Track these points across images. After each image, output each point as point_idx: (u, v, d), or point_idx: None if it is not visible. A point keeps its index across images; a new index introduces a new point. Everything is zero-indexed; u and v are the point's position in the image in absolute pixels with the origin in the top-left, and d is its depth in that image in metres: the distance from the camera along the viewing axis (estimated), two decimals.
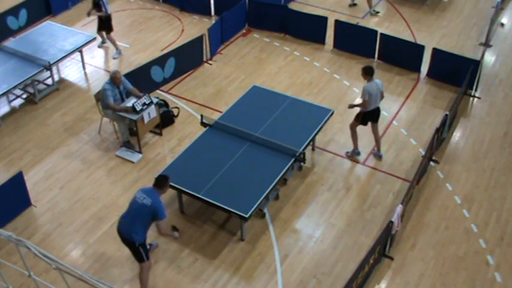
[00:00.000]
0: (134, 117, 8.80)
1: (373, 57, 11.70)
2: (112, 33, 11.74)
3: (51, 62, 10.30)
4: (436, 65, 11.00)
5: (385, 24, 13.16)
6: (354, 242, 7.71)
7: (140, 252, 6.56)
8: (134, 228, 6.44)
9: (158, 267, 7.28)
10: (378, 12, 13.61)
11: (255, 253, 7.53)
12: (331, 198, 8.42)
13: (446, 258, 7.49)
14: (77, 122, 9.95)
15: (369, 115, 8.68)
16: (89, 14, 11.55)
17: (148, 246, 6.90)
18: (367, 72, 8.37)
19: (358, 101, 8.59)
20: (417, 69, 11.30)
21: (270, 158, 7.98)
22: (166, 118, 9.78)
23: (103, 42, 12.10)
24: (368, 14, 13.51)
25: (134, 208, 6.47)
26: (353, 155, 9.16)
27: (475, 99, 10.71)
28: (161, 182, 6.54)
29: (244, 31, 12.80)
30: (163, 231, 6.52)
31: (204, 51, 11.53)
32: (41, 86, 10.74)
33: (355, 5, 13.89)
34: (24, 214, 8.10)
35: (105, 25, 11.66)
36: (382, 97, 8.65)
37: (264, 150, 8.09)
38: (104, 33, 11.78)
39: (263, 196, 7.36)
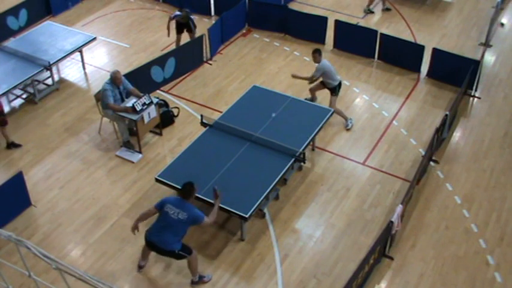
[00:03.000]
0: (134, 117, 8.80)
1: (373, 57, 11.70)
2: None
3: (51, 62, 10.30)
4: (436, 65, 11.00)
5: (385, 24, 13.16)
6: (354, 242, 7.71)
7: (182, 255, 6.64)
8: (174, 240, 6.53)
9: (158, 267, 7.28)
10: (372, 12, 13.66)
11: (255, 253, 7.53)
12: (331, 198, 8.41)
13: (446, 258, 7.49)
14: (77, 122, 9.95)
15: (337, 88, 9.63)
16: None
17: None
18: (318, 53, 9.37)
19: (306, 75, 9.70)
20: (417, 69, 11.29)
21: (270, 158, 7.98)
22: (166, 118, 9.78)
23: None
24: (366, 13, 13.53)
25: (170, 223, 6.48)
26: (349, 126, 9.77)
27: (475, 99, 10.71)
28: (188, 191, 6.55)
29: (244, 31, 12.80)
30: (210, 224, 6.70)
31: (204, 51, 11.53)
32: (41, 86, 10.74)
33: (388, 9, 13.74)
34: (24, 214, 8.10)
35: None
36: None
37: (264, 150, 8.09)
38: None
39: (263, 196, 7.36)
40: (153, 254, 7.08)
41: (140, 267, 7.21)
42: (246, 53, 12.00)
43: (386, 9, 13.73)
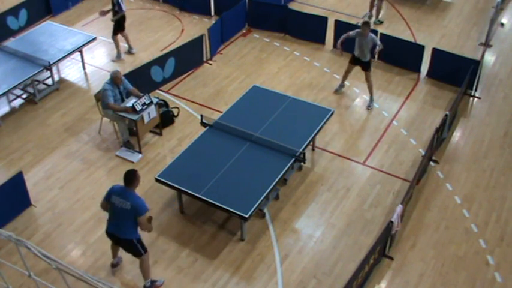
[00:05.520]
0: (134, 117, 8.80)
1: (373, 57, 11.68)
2: (119, 35, 11.58)
3: (51, 62, 10.30)
4: (436, 65, 11.00)
5: (385, 24, 13.15)
6: (354, 242, 7.71)
7: (138, 247, 6.60)
8: (127, 229, 6.47)
9: (158, 267, 7.28)
10: (381, 22, 13.28)
11: (255, 253, 7.53)
12: (331, 198, 8.42)
13: (446, 258, 7.49)
14: (77, 122, 9.95)
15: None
16: (102, 14, 11.37)
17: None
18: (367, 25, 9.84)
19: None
20: (417, 69, 11.29)
21: (270, 158, 7.98)
22: (166, 118, 9.78)
23: (130, 48, 11.84)
24: (372, 21, 13.29)
25: (117, 213, 6.45)
26: (370, 106, 10.30)
27: (475, 99, 10.71)
28: (130, 179, 6.42)
29: (244, 31, 12.80)
30: (143, 227, 6.43)
31: (204, 51, 11.53)
32: (41, 86, 10.74)
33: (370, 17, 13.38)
34: (24, 214, 8.10)
35: (118, 25, 11.37)
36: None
37: (264, 150, 8.10)
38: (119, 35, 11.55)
39: (263, 196, 7.36)
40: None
41: (113, 266, 7.22)
42: (246, 53, 12.00)
43: (379, 22, 13.33)
